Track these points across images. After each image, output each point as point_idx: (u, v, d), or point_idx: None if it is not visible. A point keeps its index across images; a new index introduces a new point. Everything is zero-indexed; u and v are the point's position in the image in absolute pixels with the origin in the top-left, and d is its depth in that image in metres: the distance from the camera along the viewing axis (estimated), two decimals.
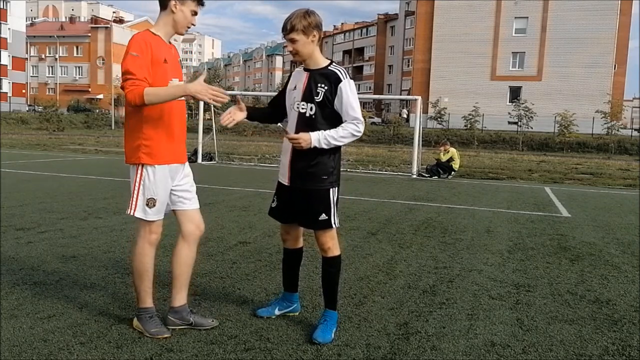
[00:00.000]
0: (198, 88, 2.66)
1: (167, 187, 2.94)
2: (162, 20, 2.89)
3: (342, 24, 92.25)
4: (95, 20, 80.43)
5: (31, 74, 78.07)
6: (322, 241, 3.07)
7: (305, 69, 3.03)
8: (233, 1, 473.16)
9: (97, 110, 56.15)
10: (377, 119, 53.11)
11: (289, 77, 3.15)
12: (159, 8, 2.89)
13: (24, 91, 69.05)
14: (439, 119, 42.65)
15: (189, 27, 2.93)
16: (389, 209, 8.36)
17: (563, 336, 3.24)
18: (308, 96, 2.95)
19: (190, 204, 3.07)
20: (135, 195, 2.90)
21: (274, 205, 3.20)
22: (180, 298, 3.08)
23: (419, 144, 15.28)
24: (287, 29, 2.90)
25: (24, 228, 5.70)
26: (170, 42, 2.95)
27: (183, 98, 2.86)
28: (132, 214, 2.90)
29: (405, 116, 46.75)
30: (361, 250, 5.31)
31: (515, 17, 45.43)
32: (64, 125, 42.07)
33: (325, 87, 2.93)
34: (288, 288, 3.36)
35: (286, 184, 3.07)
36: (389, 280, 4.29)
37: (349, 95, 2.94)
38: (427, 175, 14.64)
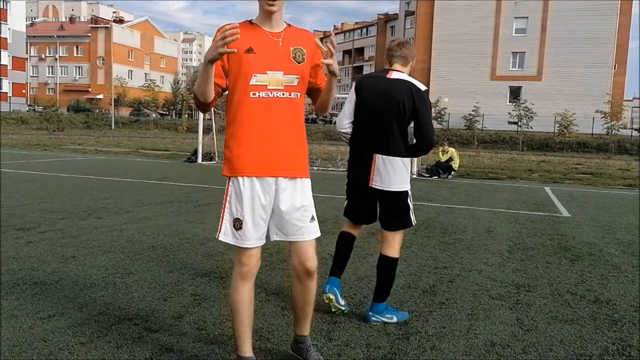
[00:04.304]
0: (208, 51, 2.29)
1: (258, 205, 2.41)
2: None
3: (342, 24, 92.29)
4: (95, 20, 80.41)
5: (31, 74, 78.06)
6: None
7: None
8: (235, 2, 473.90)
9: (97, 110, 56.21)
10: None
11: None
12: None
13: (24, 91, 69.10)
14: (439, 119, 42.66)
15: (269, 5, 2.37)
16: None
17: (563, 336, 3.24)
18: None
19: (297, 233, 2.48)
20: (222, 214, 2.47)
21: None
22: (297, 328, 2.72)
23: None
24: None
25: (24, 228, 5.71)
26: (278, 30, 2.44)
27: (285, 95, 2.42)
28: (217, 236, 2.48)
29: None
30: (361, 251, 5.30)
31: (515, 17, 45.45)
32: (64, 125, 42.10)
33: None
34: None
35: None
36: None
37: None
38: (427, 175, 14.64)
